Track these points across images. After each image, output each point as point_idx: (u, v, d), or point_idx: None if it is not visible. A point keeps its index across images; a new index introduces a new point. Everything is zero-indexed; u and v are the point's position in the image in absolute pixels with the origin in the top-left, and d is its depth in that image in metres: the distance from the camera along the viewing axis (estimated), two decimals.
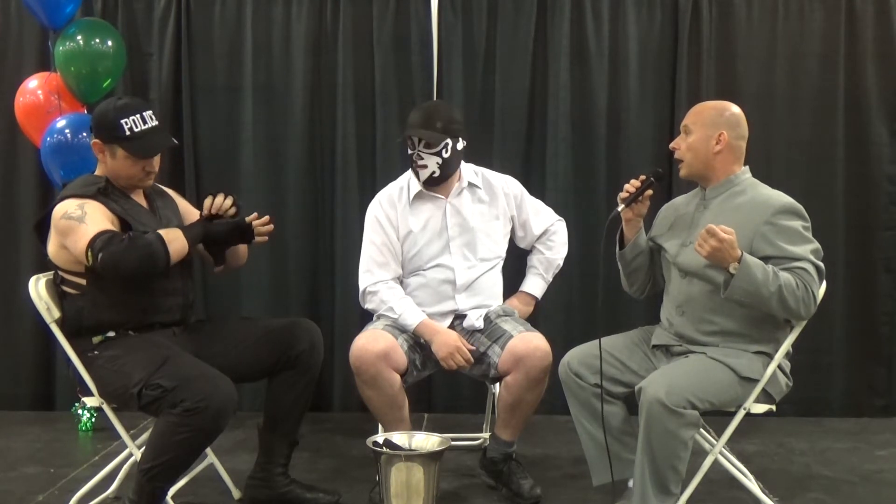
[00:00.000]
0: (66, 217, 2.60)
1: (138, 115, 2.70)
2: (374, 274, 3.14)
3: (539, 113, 4.20)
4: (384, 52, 4.17)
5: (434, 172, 3.09)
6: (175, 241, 2.63)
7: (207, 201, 2.81)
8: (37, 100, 3.77)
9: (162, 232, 2.63)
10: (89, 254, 2.52)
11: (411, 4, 4.16)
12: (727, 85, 4.15)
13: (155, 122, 2.75)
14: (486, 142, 4.15)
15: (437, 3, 4.08)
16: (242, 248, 2.99)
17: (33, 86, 3.80)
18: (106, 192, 2.70)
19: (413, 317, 3.06)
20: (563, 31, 4.14)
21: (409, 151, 3.11)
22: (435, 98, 4.09)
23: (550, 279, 3.37)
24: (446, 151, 3.07)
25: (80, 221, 2.58)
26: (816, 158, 4.17)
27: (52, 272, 2.76)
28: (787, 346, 2.69)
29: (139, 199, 2.82)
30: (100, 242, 2.51)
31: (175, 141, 2.98)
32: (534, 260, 3.35)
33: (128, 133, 2.68)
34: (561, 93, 4.15)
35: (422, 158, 3.08)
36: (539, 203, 3.37)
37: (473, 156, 3.36)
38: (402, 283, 3.18)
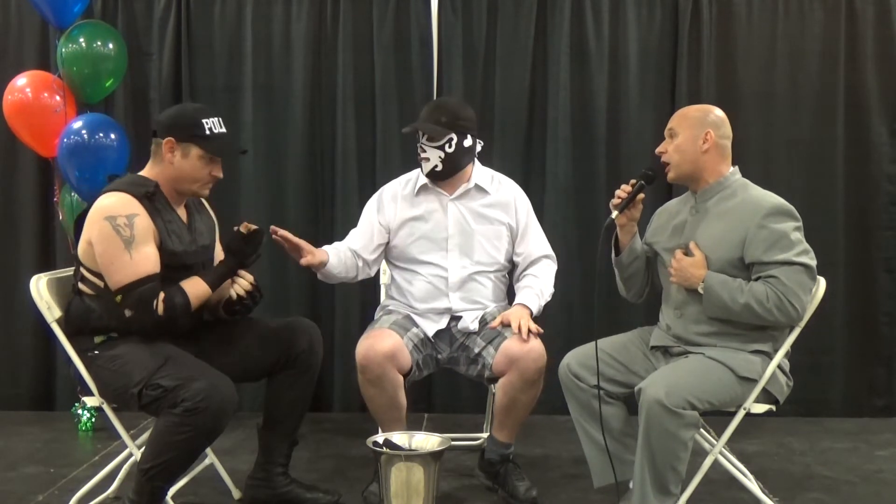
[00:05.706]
0: (110, 220, 2.55)
1: (217, 119, 2.73)
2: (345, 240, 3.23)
3: (539, 113, 4.20)
4: (384, 52, 4.17)
5: (436, 166, 3.09)
6: (198, 301, 2.68)
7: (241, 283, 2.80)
8: (25, 98, 3.76)
9: (189, 291, 2.64)
10: (120, 298, 2.56)
11: (411, 4, 4.16)
12: (727, 85, 4.16)
13: (226, 131, 2.76)
14: (486, 142, 4.13)
15: (437, 3, 4.09)
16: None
17: (22, 83, 3.78)
18: (152, 199, 2.65)
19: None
20: (563, 31, 4.14)
21: (417, 143, 3.14)
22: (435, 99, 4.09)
23: (542, 302, 3.16)
24: (450, 146, 3.07)
25: (127, 246, 2.54)
26: (816, 158, 4.17)
27: (74, 267, 2.72)
28: (786, 347, 2.69)
29: (181, 211, 2.78)
30: (133, 299, 2.55)
31: (245, 150, 3.08)
32: (524, 281, 3.20)
33: (207, 132, 2.68)
34: (561, 93, 4.15)
35: (424, 151, 3.10)
36: (541, 232, 3.29)
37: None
38: (372, 266, 3.23)
